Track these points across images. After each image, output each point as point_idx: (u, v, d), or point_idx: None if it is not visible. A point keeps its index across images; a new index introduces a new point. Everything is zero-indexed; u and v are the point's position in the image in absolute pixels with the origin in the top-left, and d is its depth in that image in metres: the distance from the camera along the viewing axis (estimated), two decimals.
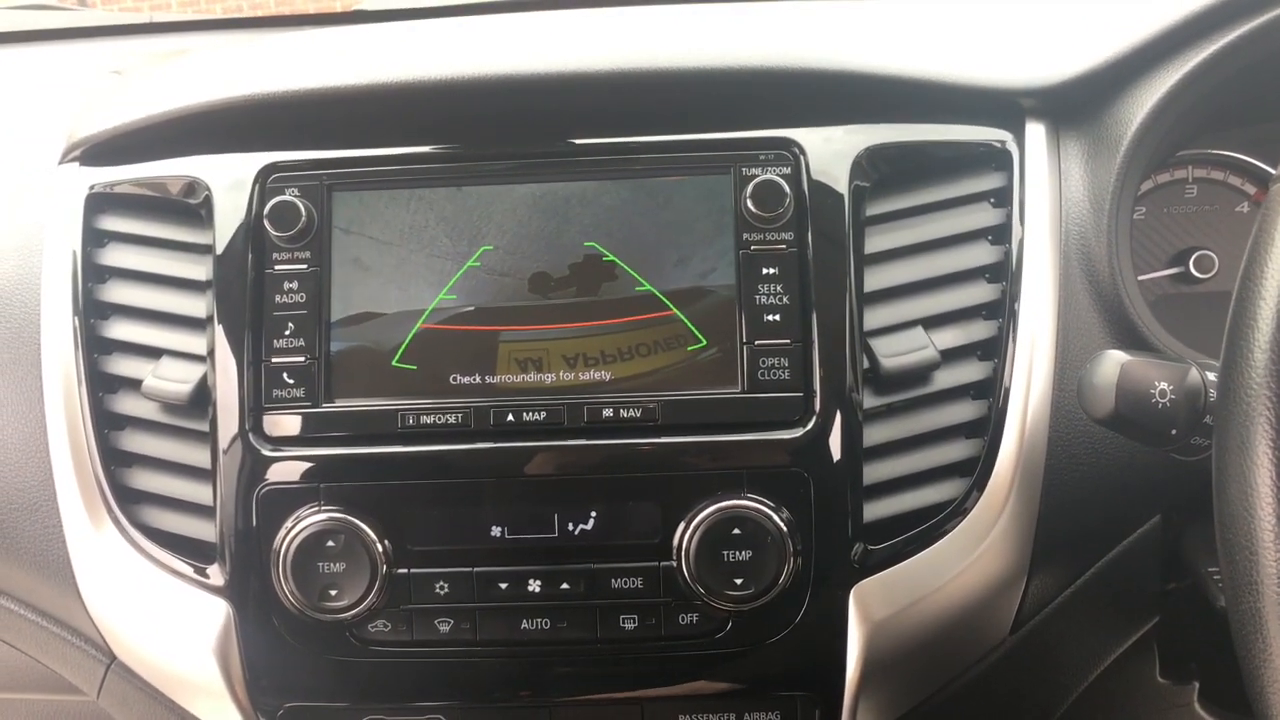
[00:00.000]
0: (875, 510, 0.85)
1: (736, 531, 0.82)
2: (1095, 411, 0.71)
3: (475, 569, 0.85)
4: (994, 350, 0.88)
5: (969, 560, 0.86)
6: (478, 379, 0.86)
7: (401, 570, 0.85)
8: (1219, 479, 0.62)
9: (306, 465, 0.85)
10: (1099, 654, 0.97)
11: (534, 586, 0.85)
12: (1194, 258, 1.03)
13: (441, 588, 0.85)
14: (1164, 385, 0.69)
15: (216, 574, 0.87)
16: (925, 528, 0.85)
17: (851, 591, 0.84)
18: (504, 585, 0.85)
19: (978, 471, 0.86)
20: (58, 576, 0.91)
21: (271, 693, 0.88)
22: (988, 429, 0.86)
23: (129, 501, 0.89)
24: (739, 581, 0.83)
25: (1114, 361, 0.70)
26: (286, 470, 0.85)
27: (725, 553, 0.83)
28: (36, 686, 1.01)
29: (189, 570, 0.87)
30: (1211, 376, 0.69)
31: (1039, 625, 0.91)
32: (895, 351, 0.86)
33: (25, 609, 0.95)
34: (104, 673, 0.94)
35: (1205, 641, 1.10)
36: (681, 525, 0.83)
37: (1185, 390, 0.69)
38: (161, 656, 0.90)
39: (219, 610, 0.87)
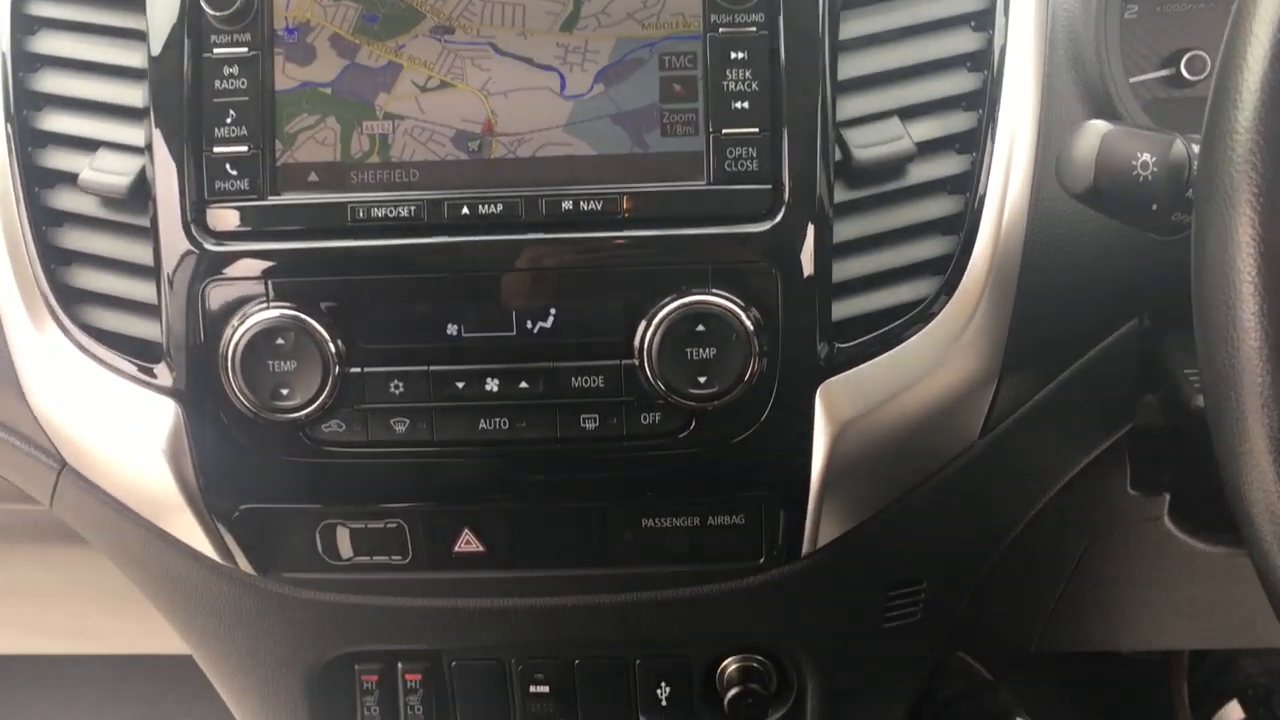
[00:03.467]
0: (844, 309, 0.82)
1: (700, 328, 0.80)
2: (1073, 186, 0.68)
3: (431, 368, 0.82)
4: (972, 143, 0.84)
5: (939, 360, 0.84)
6: (432, 169, 0.82)
7: (355, 369, 0.82)
8: (1197, 257, 0.59)
9: (252, 260, 0.81)
10: (1069, 460, 0.95)
11: (492, 385, 0.82)
12: (1186, 59, 0.98)
13: (396, 387, 0.82)
14: (1146, 157, 0.65)
15: (164, 373, 0.84)
16: (895, 326, 0.83)
17: (818, 390, 0.82)
18: (461, 384, 0.82)
19: (951, 269, 0.83)
20: (2, 379, 0.88)
21: (225, 496, 0.86)
22: (963, 225, 0.83)
23: (71, 301, 0.86)
24: (702, 380, 0.80)
25: (1095, 132, 0.67)
26: (231, 265, 0.81)
27: (688, 350, 0.80)
28: None
29: (134, 370, 0.85)
30: (1197, 149, 0.65)
31: (1009, 429, 0.89)
32: (869, 142, 0.82)
33: None
34: (55, 480, 0.92)
35: (1178, 457, 1.09)
36: (643, 323, 0.80)
37: (1169, 162, 0.65)
38: (112, 460, 0.88)
39: (168, 411, 0.84)
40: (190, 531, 0.89)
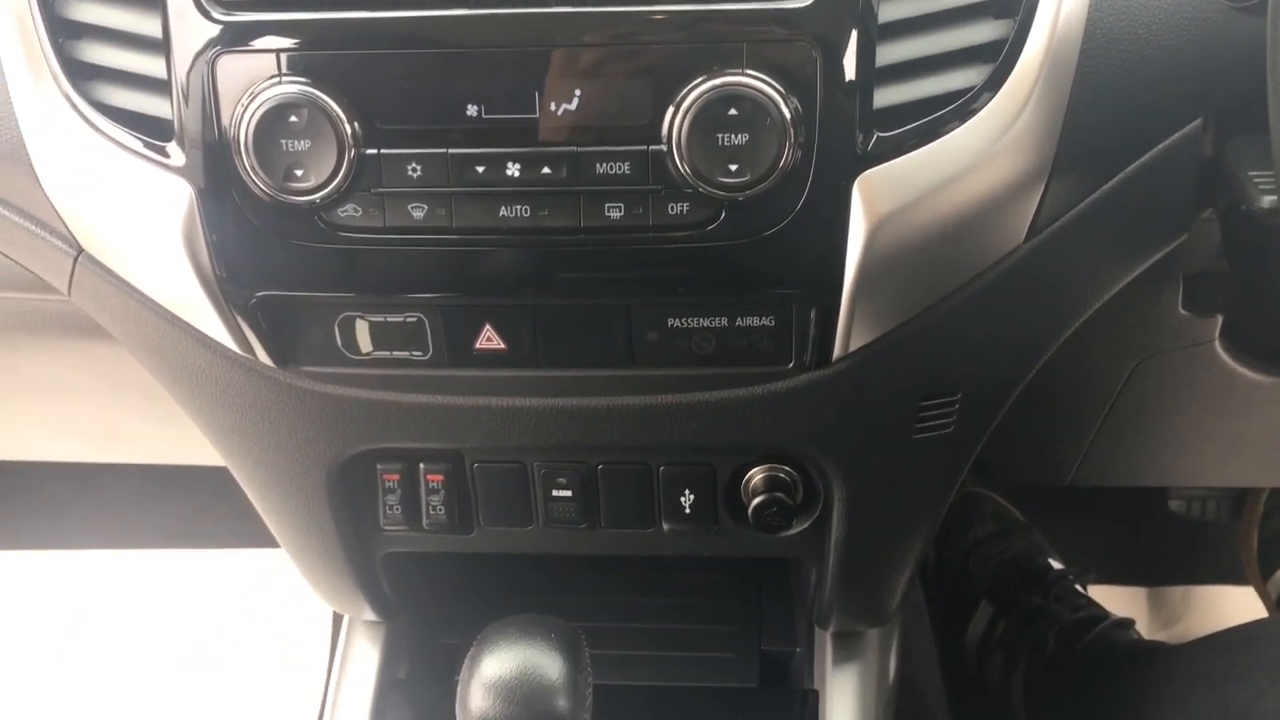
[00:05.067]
0: (887, 95, 0.77)
1: (733, 112, 0.75)
2: None
3: (450, 150, 0.78)
4: None
5: (986, 155, 0.79)
6: None
7: (371, 151, 0.78)
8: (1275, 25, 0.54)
9: (263, 32, 0.77)
10: (1118, 271, 0.91)
11: (513, 170, 0.79)
12: None
13: (414, 170, 0.79)
14: None
15: (175, 153, 0.81)
16: (940, 116, 0.78)
17: (857, 181, 0.78)
18: (481, 169, 0.79)
19: (1003, 56, 0.78)
20: (12, 157, 0.86)
21: (241, 282, 0.84)
22: (1019, 8, 0.77)
23: (80, 76, 0.82)
24: (733, 167, 0.76)
25: None
26: (240, 37, 0.77)
27: (720, 135, 0.76)
28: (9, 285, 0.98)
29: (146, 149, 0.82)
30: None
31: (1056, 234, 0.84)
32: None
33: None
34: (72, 267, 0.90)
35: (1232, 281, 1.05)
36: (673, 106, 0.76)
37: None
38: (127, 246, 0.86)
39: (182, 194, 0.81)
40: (207, 320, 0.87)
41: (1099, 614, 1.62)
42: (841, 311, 0.82)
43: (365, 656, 1.16)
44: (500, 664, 0.81)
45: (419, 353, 0.88)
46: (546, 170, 0.78)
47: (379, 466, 0.99)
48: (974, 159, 0.79)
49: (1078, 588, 1.72)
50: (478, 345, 0.87)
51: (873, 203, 0.78)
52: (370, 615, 1.15)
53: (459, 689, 0.82)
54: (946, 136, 0.78)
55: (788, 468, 0.97)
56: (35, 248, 0.91)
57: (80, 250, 0.90)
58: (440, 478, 0.99)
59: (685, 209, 0.79)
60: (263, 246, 0.82)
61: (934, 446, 0.94)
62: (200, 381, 0.94)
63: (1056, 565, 1.76)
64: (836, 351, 0.85)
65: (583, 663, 0.83)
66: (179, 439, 1.00)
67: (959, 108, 0.78)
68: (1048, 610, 1.66)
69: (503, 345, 0.87)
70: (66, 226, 0.88)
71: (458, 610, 1.21)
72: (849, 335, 0.84)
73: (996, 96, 0.78)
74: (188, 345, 0.91)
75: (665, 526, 1.00)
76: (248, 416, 0.95)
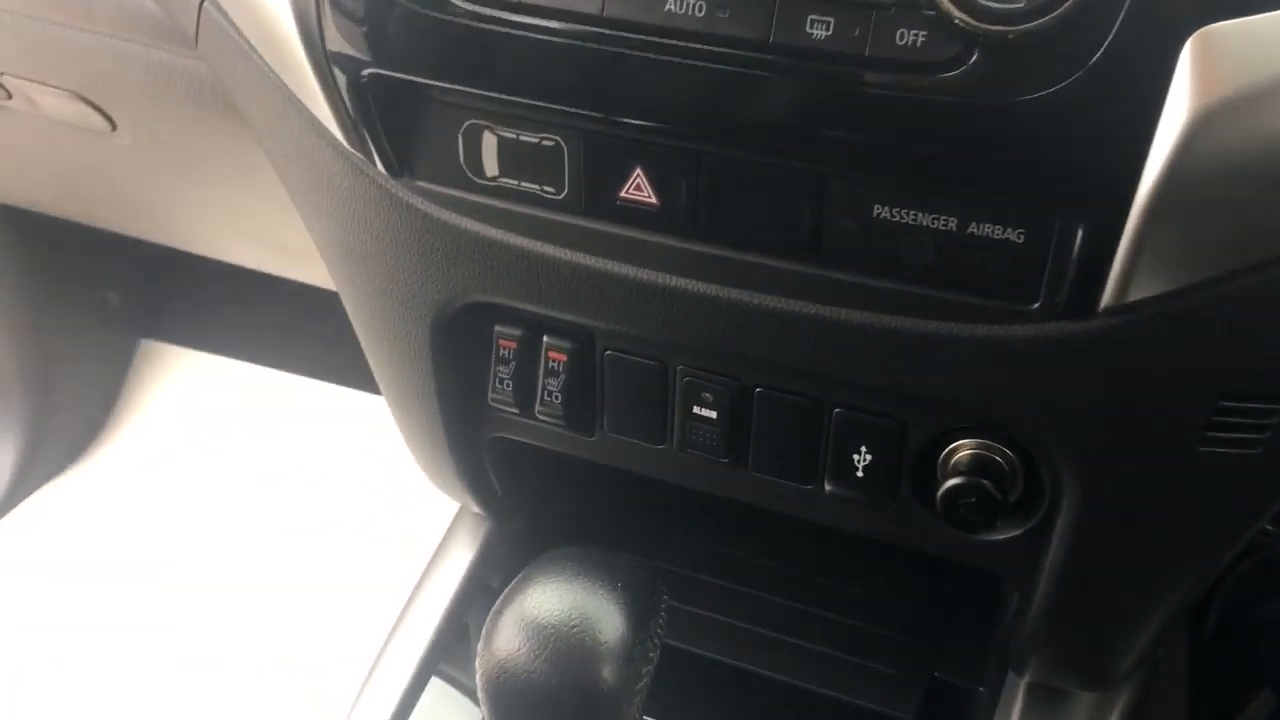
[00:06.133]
0: None
1: None
2: None
3: None
4: None
5: None
6: None
7: None
8: None
9: None
10: None
11: None
12: None
13: None
14: None
15: None
16: None
17: (1191, 37, 0.51)
18: None
19: None
20: None
21: (349, 52, 0.68)
22: None
23: None
24: None
25: None
26: None
27: None
28: (146, 32, 0.88)
29: None
30: None
31: None
32: None
33: None
34: (198, 10, 0.77)
35: None
36: None
37: None
38: None
39: None
40: (318, 101, 0.72)
41: None
42: (1124, 239, 0.56)
43: (461, 552, 0.99)
44: (543, 602, 0.62)
45: (551, 189, 0.69)
46: None
47: (496, 329, 0.80)
48: None
49: None
50: (623, 193, 0.67)
51: (1210, 76, 0.51)
52: (475, 507, 0.98)
53: (488, 618, 0.63)
54: None
55: (1006, 449, 0.70)
56: None
57: None
58: (563, 357, 0.79)
59: (921, 40, 0.55)
60: (375, 9, 0.65)
61: (1225, 468, 0.65)
62: (311, 179, 0.79)
63: None
64: (1106, 298, 0.59)
65: (650, 626, 0.62)
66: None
67: None
68: None
69: (653, 199, 0.66)
70: None
71: (579, 526, 1.02)
72: (1129, 277, 0.57)
73: None
74: (301, 129, 0.76)
75: (827, 487, 0.76)
76: (357, 233, 0.79)
